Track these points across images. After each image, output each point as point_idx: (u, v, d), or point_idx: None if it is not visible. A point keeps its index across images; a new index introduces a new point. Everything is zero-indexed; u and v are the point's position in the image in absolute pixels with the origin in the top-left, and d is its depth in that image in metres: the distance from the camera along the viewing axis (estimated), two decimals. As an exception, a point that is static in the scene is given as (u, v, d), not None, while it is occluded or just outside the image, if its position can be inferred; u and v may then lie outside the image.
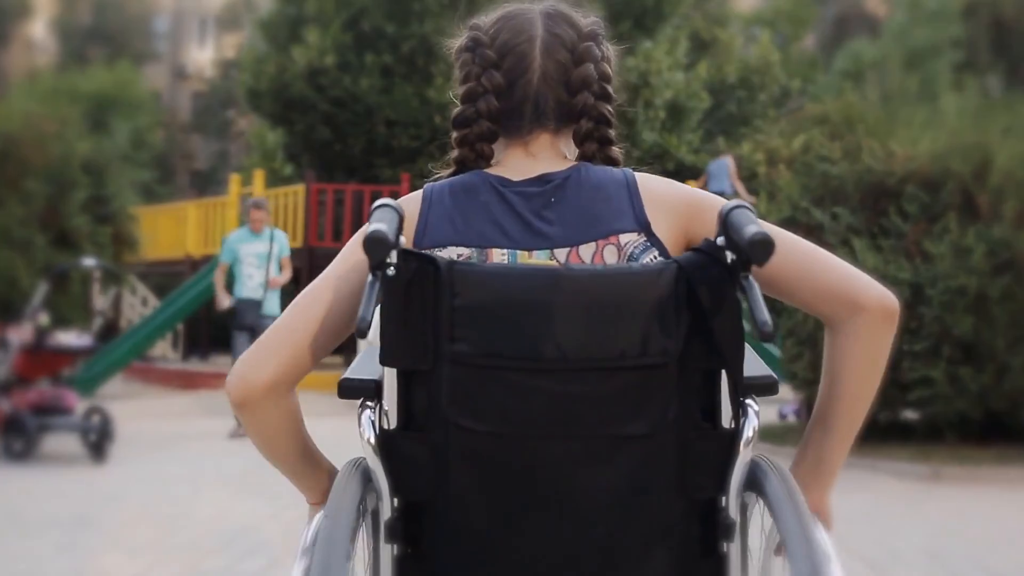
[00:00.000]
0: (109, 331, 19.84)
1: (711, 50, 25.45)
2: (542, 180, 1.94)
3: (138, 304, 23.91)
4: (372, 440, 1.79)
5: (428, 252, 1.78)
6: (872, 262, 9.67)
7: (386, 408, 1.83)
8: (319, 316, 1.88)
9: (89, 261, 12.22)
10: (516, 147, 2.01)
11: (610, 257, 1.87)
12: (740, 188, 20.39)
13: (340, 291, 1.89)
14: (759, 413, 1.81)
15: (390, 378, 1.81)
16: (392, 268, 1.69)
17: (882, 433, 10.05)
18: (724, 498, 1.79)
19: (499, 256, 1.88)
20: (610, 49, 2.07)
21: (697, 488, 1.79)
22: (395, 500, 1.80)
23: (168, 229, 22.23)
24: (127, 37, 44.30)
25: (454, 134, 2.05)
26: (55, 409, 9.51)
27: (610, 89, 2.03)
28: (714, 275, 1.73)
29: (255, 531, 6.79)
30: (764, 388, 1.84)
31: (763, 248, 1.62)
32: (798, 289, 1.90)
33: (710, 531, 1.81)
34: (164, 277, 23.21)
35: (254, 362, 1.87)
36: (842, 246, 10.10)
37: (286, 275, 11.78)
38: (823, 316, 1.91)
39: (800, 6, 34.71)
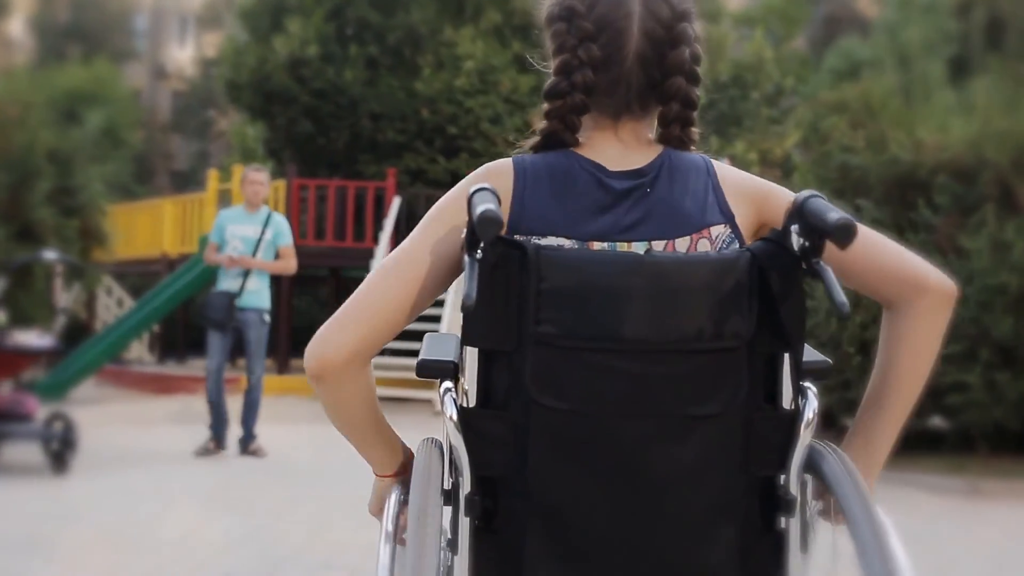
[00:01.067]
0: (82, 333, 19.19)
1: (703, 47, 24.68)
2: (637, 174, 1.95)
3: (113, 305, 23.27)
4: (454, 417, 1.82)
5: (524, 239, 1.83)
6: (901, 258, 8.95)
7: (465, 387, 1.92)
8: (398, 289, 1.90)
9: (50, 254, 11.14)
10: (605, 128, 1.99)
11: (703, 249, 1.91)
12: None
13: (421, 263, 1.90)
14: (818, 396, 1.85)
15: (471, 358, 1.89)
16: (480, 252, 1.73)
17: (910, 442, 9.33)
18: (784, 476, 1.86)
19: (599, 248, 1.90)
20: (699, 27, 2.03)
21: (760, 466, 1.85)
22: (473, 475, 1.83)
23: (144, 227, 21.51)
24: (106, 35, 43.53)
25: (545, 106, 1.98)
26: (13, 415, 8.64)
27: (699, 71, 2.01)
28: (784, 263, 1.79)
29: (228, 554, 6.00)
30: (820, 372, 1.89)
31: (847, 232, 1.67)
32: (863, 271, 1.94)
33: (771, 507, 1.88)
34: (141, 277, 22.49)
35: (331, 336, 1.88)
36: (867, 241, 9.40)
37: (281, 265, 9.95)
38: (886, 298, 1.96)
39: (792, 5, 34.05)
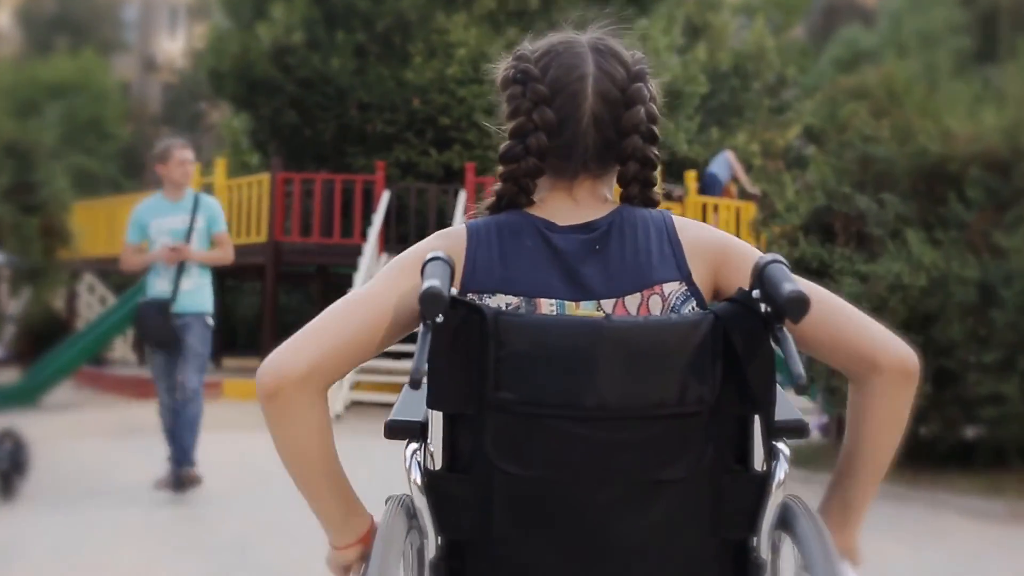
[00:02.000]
0: (62, 333, 18.49)
1: (703, 36, 24.12)
2: (587, 228, 1.96)
3: (96, 303, 22.67)
4: (419, 481, 1.85)
5: (475, 296, 1.88)
6: (930, 257, 8.21)
7: (431, 449, 1.93)
8: (359, 323, 1.87)
9: (-8, 256, 10.25)
10: (560, 189, 2.01)
11: (655, 307, 1.92)
12: (744, 180, 19.18)
13: (379, 310, 1.89)
14: (789, 457, 1.86)
15: (436, 420, 1.91)
16: (440, 315, 1.73)
17: (941, 457, 8.60)
18: (755, 538, 1.87)
19: (547, 306, 1.91)
20: (655, 86, 2.05)
21: (730, 529, 1.84)
22: (439, 537, 1.86)
23: (124, 223, 20.35)
24: (94, 26, 43.30)
25: (500, 169, 2.00)
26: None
27: (656, 130, 2.02)
28: (749, 325, 1.78)
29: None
30: (794, 432, 1.89)
31: (799, 306, 1.68)
32: (820, 344, 1.91)
33: (742, 570, 1.88)
34: (122, 275, 21.66)
35: (287, 353, 1.83)
36: (892, 238, 8.62)
37: (218, 255, 8.23)
38: (845, 371, 1.93)
39: (793, -7, 33.40)
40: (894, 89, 9.64)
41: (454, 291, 1.77)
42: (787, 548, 1.86)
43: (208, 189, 18.32)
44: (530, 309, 1.90)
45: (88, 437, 11.72)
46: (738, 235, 12.40)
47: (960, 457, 8.81)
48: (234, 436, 10.95)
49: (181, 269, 7.95)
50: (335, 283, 19.09)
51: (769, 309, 1.75)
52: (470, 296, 1.87)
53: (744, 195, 19.01)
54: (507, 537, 1.82)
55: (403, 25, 18.00)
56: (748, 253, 1.97)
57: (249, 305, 22.72)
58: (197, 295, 8.06)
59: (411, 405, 2.00)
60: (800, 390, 1.64)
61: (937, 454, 8.63)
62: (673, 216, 2.01)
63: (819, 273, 9.21)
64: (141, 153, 39.25)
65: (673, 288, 1.92)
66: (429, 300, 1.68)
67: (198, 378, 7.99)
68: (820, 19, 40.03)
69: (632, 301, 1.91)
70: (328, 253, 17.15)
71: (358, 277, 14.87)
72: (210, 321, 8.15)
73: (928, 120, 8.81)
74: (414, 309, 1.82)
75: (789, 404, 1.93)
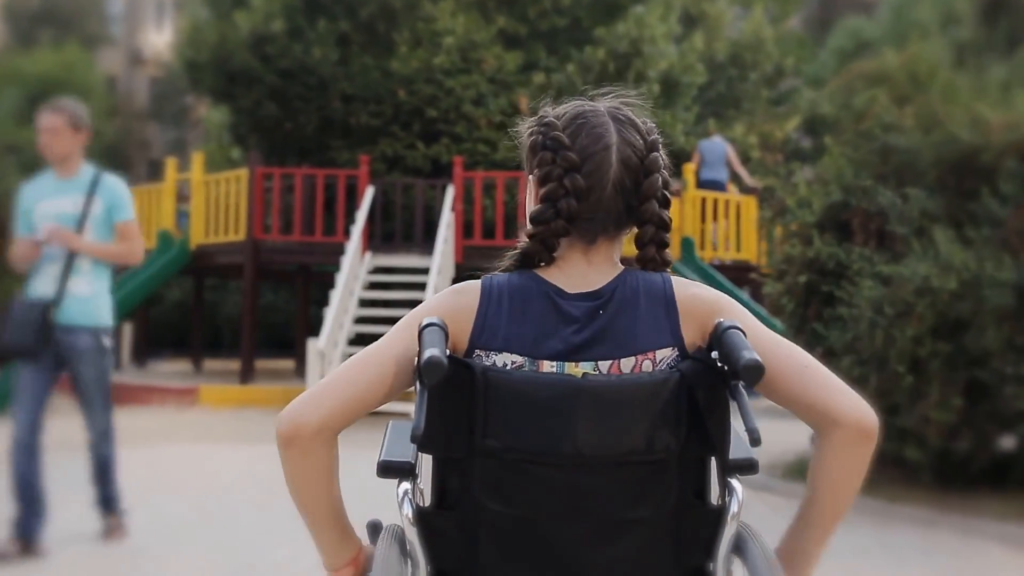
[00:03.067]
0: None
1: (700, 26, 23.41)
2: (593, 296, 2.07)
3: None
4: (410, 516, 2.00)
5: (483, 352, 2.02)
6: (960, 258, 7.43)
7: (421, 487, 2.11)
8: (370, 378, 2.03)
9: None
10: (577, 250, 2.12)
11: (647, 370, 2.02)
12: (744, 173, 18.49)
13: (390, 362, 2.03)
14: (741, 491, 2.02)
15: (426, 462, 2.09)
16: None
17: (974, 475, 7.84)
18: (712, 564, 2.03)
19: (548, 366, 2.01)
20: (665, 154, 2.17)
21: (690, 557, 2.02)
22: (428, 568, 2.02)
23: None
24: (79, 19, 42.57)
25: (529, 228, 2.12)
26: None
27: (669, 195, 2.15)
28: (709, 382, 1.95)
29: None
30: (745, 468, 2.05)
31: (754, 374, 1.84)
32: (784, 396, 2.02)
33: None
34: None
35: (306, 405, 1.99)
36: (917, 237, 7.84)
37: (118, 249, 6.41)
38: (808, 424, 2.04)
39: (791, -18, 32.78)
40: (917, 73, 8.81)
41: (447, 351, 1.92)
42: (739, 571, 2.02)
43: (185, 185, 17.76)
44: (533, 368, 2.02)
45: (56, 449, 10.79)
46: (738, 232, 11.89)
47: (994, 478, 8.04)
48: (207, 449, 10.50)
49: (69, 266, 6.19)
50: (319, 282, 18.38)
51: (726, 368, 1.91)
52: (477, 352, 2.03)
53: (743, 189, 18.39)
54: (490, 567, 1.99)
55: (388, 13, 17.24)
56: (736, 314, 2.06)
57: (235, 304, 22.03)
58: (90, 304, 6.29)
59: (400, 445, 2.17)
60: (754, 443, 1.83)
61: (969, 474, 7.86)
62: (673, 279, 2.11)
63: (836, 274, 8.45)
64: (127, 149, 38.89)
65: (665, 354, 2.03)
66: (431, 369, 1.83)
67: (105, 418, 6.46)
68: (817, 10, 39.68)
69: (627, 364, 2.02)
70: (310, 252, 16.41)
71: (340, 277, 14.22)
72: (107, 341, 6.41)
73: (957, 106, 7.99)
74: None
75: (742, 442, 2.03)
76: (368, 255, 15.17)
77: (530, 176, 2.17)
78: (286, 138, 18.13)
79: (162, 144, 41.93)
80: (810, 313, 8.65)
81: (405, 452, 2.13)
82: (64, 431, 7.78)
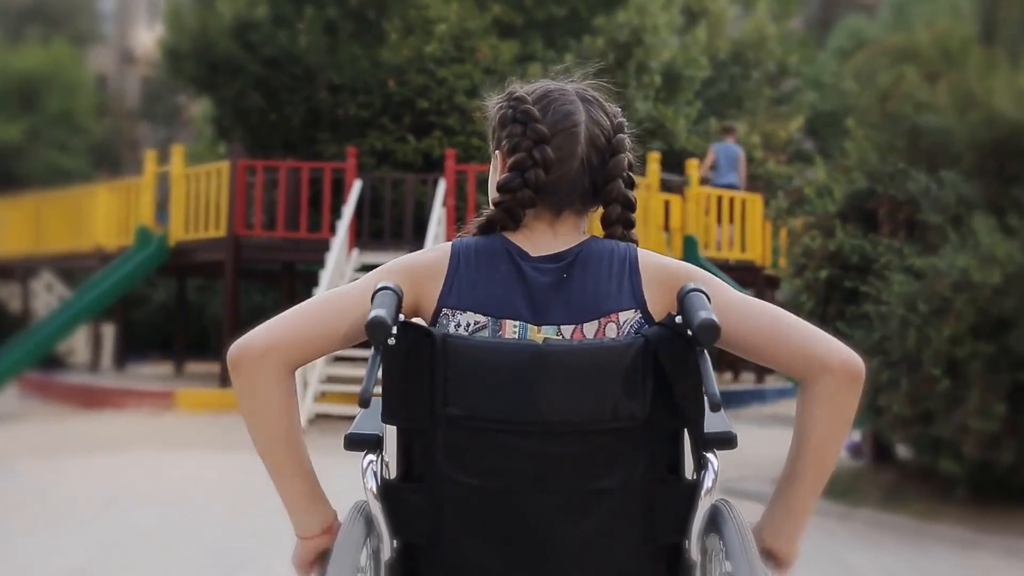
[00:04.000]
0: (17, 333, 17.27)
1: (702, 22, 22.69)
2: (556, 258, 2.10)
3: (56, 303, 21.25)
4: (374, 489, 1.98)
5: (449, 311, 2.06)
6: (1003, 249, 6.67)
7: (387, 460, 2.09)
8: (329, 315, 2.05)
9: None
10: (543, 221, 2.16)
11: (611, 334, 2.05)
12: (742, 180, 17.77)
13: (344, 311, 2.05)
14: (717, 465, 1.98)
15: (391, 434, 2.08)
16: (392, 338, 1.91)
17: (1017, 493, 7.10)
18: (686, 541, 2.00)
19: (511, 327, 2.05)
20: (630, 141, 2.21)
21: (663, 534, 2.00)
22: (395, 541, 2.01)
23: (74, 216, 19.23)
24: (70, 17, 42.10)
25: (495, 196, 2.16)
26: None
27: (633, 177, 2.21)
28: (676, 348, 1.94)
29: None
30: (723, 442, 2.00)
31: (709, 333, 1.86)
32: (766, 352, 2.04)
33: (674, 571, 2.03)
34: (73, 274, 20.26)
35: (256, 330, 2.00)
36: (953, 226, 7.07)
37: None
38: (792, 376, 2.05)
39: (793, -18, 32.32)
40: (949, 49, 8.04)
41: (401, 317, 1.97)
42: (716, 548, 1.94)
43: (165, 178, 17.02)
44: (495, 329, 2.05)
45: (23, 455, 10.22)
46: (744, 228, 11.26)
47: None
48: (176, 457, 10.00)
49: None
50: (306, 282, 17.60)
51: (690, 332, 1.90)
52: (444, 311, 2.06)
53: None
54: (456, 540, 1.98)
55: (378, -1, 16.49)
56: (704, 281, 2.07)
57: (221, 305, 21.29)
58: None
59: (370, 420, 2.11)
60: (714, 408, 1.84)
61: (1011, 489, 7.10)
62: (639, 250, 2.15)
63: (861, 269, 7.69)
64: (117, 148, 38.39)
65: (628, 316, 2.05)
66: (374, 328, 1.87)
67: None
68: (818, 10, 39.47)
69: (590, 328, 2.05)
70: (294, 249, 15.69)
71: (324, 275, 13.49)
72: None
73: (997, 81, 7.23)
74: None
75: (721, 416, 1.99)
76: (355, 252, 14.50)
77: (496, 151, 2.22)
78: (271, 131, 17.45)
79: (153, 144, 41.20)
80: (830, 311, 7.89)
81: (375, 427, 2.10)
82: None
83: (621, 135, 2.17)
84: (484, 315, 2.04)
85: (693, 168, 16.45)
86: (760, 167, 21.67)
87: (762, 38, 25.37)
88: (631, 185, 2.19)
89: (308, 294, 14.27)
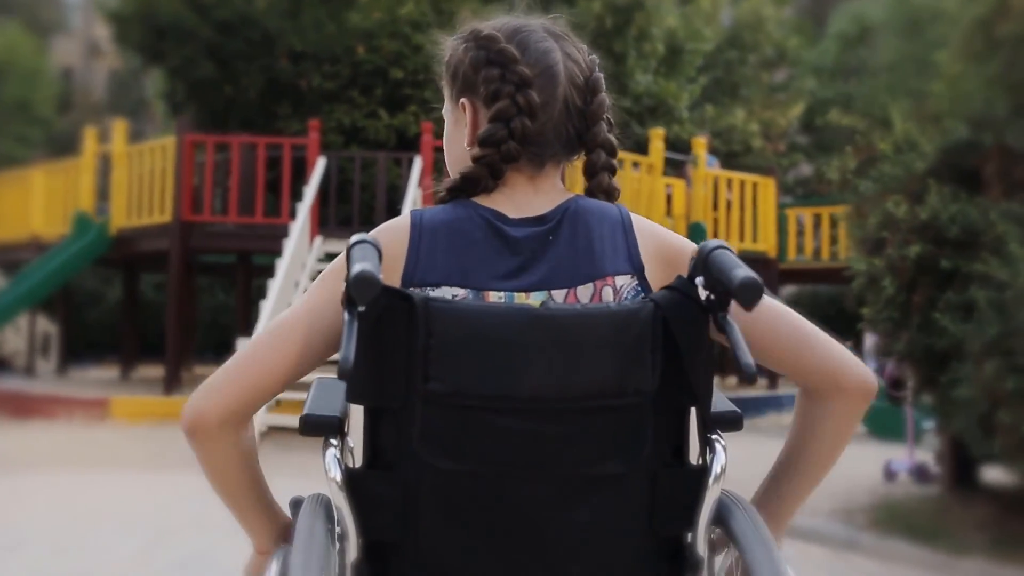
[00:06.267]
0: None
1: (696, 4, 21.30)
2: (539, 220, 1.93)
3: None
4: (338, 479, 1.76)
5: (418, 290, 1.81)
6: None
7: (351, 445, 1.89)
8: (280, 353, 1.86)
9: None
10: (523, 176, 1.97)
11: (607, 298, 1.88)
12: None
13: (312, 326, 1.87)
14: (726, 448, 1.83)
15: (357, 415, 1.87)
16: (362, 306, 1.70)
17: None
18: (691, 535, 1.83)
19: (495, 298, 1.85)
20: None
21: (666, 525, 1.82)
22: (361, 540, 1.79)
23: (7, 204, 17.81)
24: (33, 5, 41.68)
25: (475, 151, 1.93)
26: None
27: (613, 120, 2.03)
28: (689, 315, 1.77)
29: None
30: (730, 423, 1.87)
31: (751, 291, 1.64)
32: (782, 358, 1.91)
33: (678, 567, 1.86)
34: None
35: (210, 391, 1.84)
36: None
37: None
38: (802, 385, 1.94)
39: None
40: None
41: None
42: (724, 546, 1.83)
43: (107, 159, 15.42)
44: (478, 300, 1.83)
45: None
46: (755, 215, 10.04)
47: None
48: (97, 478, 8.69)
49: None
50: (261, 274, 15.86)
51: (712, 297, 1.73)
52: (412, 290, 1.78)
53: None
54: (434, 537, 1.77)
55: (345, -44, 14.87)
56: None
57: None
58: None
59: (326, 399, 1.92)
60: (750, 379, 1.64)
61: None
62: (632, 213, 1.96)
63: (961, 244, 5.89)
64: (78, 141, 37.26)
65: (625, 281, 1.88)
66: (360, 285, 1.59)
67: None
68: (810, 1, 38.99)
69: (584, 291, 1.86)
70: (250, 236, 14.13)
71: (282, 264, 11.90)
72: None
73: None
74: (340, 320, 1.73)
75: (721, 396, 1.89)
76: (319, 239, 12.94)
77: (462, 100, 1.97)
78: (226, 105, 15.81)
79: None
80: (915, 299, 6.08)
81: (332, 408, 1.86)
82: None
83: (597, 73, 1.98)
84: (462, 287, 1.81)
85: (700, 147, 14.82)
86: (760, 157, 20.75)
87: (759, 19, 24.46)
88: (612, 127, 1.98)
89: (264, 292, 12.57)
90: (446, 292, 1.82)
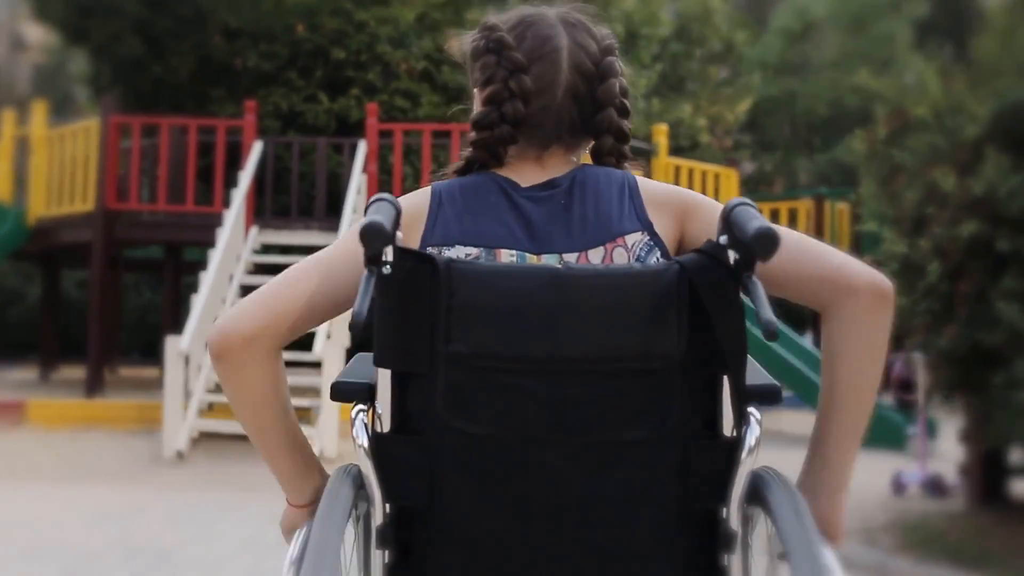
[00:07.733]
0: None
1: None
2: (549, 185, 1.97)
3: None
4: (365, 444, 1.78)
5: (435, 250, 1.88)
6: None
7: (379, 411, 1.89)
8: (305, 290, 1.88)
9: None
10: (528, 157, 2.02)
11: (620, 259, 1.90)
12: None
13: (330, 275, 1.90)
14: (761, 421, 1.79)
15: (384, 380, 1.87)
16: (388, 266, 1.72)
17: None
18: (725, 509, 1.80)
19: (508, 257, 1.90)
20: (622, 62, 2.07)
21: (697, 498, 1.79)
22: (387, 505, 1.81)
23: None
24: None
25: (472, 135, 2.02)
26: None
27: (628, 104, 2.05)
28: (717, 277, 1.74)
29: None
30: (767, 396, 1.81)
31: (768, 242, 1.63)
32: (790, 278, 1.87)
33: (711, 543, 1.82)
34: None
35: (235, 314, 1.87)
36: None
37: None
38: (817, 304, 1.89)
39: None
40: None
41: (399, 236, 1.73)
42: (760, 522, 1.77)
43: (25, 142, 14.55)
44: (490, 259, 1.89)
45: None
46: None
47: None
48: (24, 492, 7.96)
49: None
50: (192, 271, 14.97)
51: (738, 257, 1.69)
52: (429, 250, 1.86)
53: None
54: (457, 503, 1.77)
55: (283, -76, 14.25)
56: (716, 206, 1.88)
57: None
58: None
59: (359, 370, 1.95)
60: (770, 337, 1.58)
61: None
62: (637, 176, 2.01)
63: (1020, 222, 5.07)
64: None
65: (636, 239, 1.90)
66: (369, 234, 1.64)
67: None
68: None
69: (595, 254, 1.89)
70: (180, 227, 13.29)
71: (215, 255, 11.11)
72: None
73: None
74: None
75: (758, 368, 1.84)
76: (254, 230, 12.17)
77: (474, 90, 2.06)
78: (155, 87, 15.03)
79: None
80: (963, 287, 5.26)
81: (366, 376, 1.89)
82: None
83: (611, 58, 1.99)
84: (475, 246, 1.88)
85: (661, 135, 14.12)
86: (707, 153, 20.36)
87: (707, 12, 23.96)
88: (625, 113, 2.00)
89: (195, 288, 11.70)
90: (460, 251, 1.86)
